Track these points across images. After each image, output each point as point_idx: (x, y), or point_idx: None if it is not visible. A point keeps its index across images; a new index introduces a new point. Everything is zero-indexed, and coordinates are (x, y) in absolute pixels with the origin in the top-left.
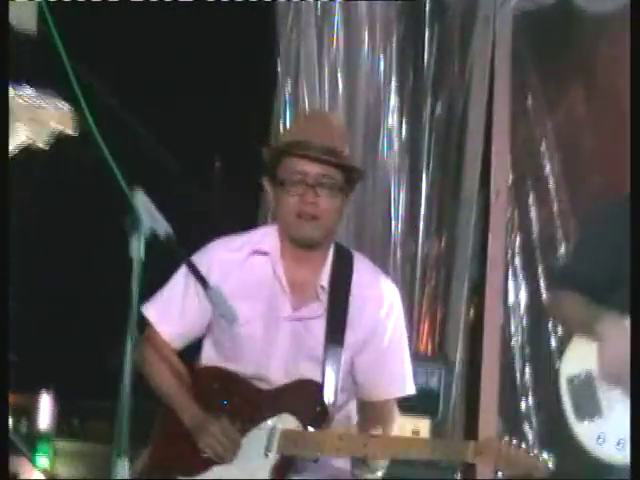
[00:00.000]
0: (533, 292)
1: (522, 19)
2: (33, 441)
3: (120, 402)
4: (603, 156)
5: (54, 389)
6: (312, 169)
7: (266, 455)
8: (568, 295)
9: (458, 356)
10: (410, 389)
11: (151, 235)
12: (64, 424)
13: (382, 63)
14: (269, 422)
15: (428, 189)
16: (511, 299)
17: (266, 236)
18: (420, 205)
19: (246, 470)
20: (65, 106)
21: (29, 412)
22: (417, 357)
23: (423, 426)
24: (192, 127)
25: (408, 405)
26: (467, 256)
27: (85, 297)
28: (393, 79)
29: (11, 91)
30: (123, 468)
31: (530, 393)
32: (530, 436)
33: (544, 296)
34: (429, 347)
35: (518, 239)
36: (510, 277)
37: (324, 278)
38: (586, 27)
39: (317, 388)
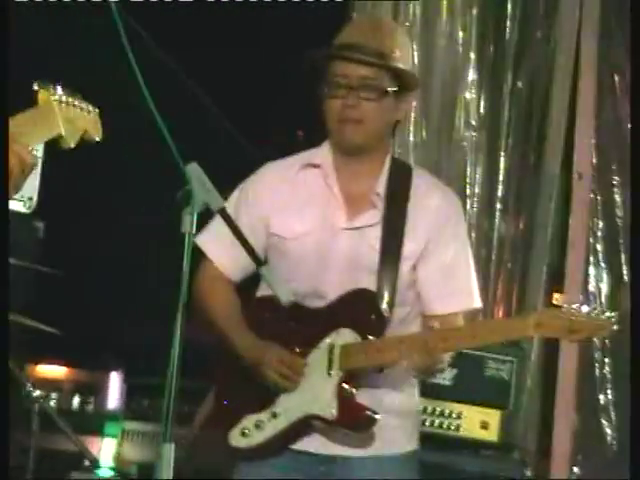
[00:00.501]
0: (615, 280)
1: None
2: (101, 421)
3: (167, 382)
4: None
5: (124, 367)
6: (354, 71)
7: (329, 374)
8: None
9: (534, 345)
10: (477, 302)
11: (204, 209)
12: (134, 404)
13: (460, 34)
14: (327, 340)
15: (506, 168)
16: (592, 287)
17: (318, 150)
18: (497, 184)
19: (311, 394)
20: (94, 110)
21: (97, 391)
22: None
23: (493, 417)
24: (273, 98)
25: (477, 395)
26: (546, 240)
27: (143, 271)
28: (472, 51)
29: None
30: (169, 452)
31: (609, 387)
32: (609, 430)
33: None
34: None
35: (601, 224)
36: (591, 264)
37: (380, 185)
38: None
39: (371, 296)
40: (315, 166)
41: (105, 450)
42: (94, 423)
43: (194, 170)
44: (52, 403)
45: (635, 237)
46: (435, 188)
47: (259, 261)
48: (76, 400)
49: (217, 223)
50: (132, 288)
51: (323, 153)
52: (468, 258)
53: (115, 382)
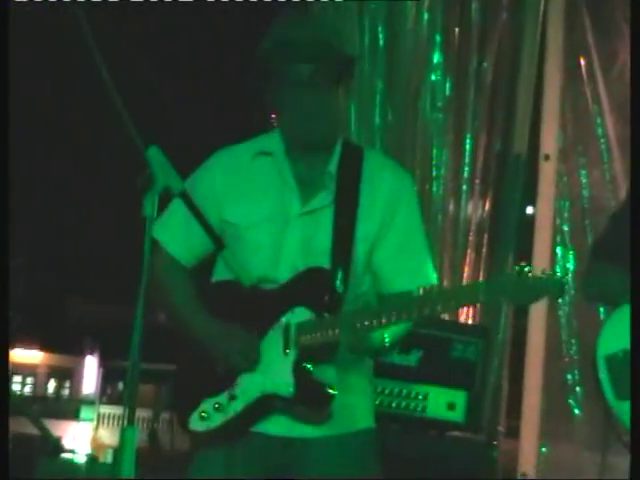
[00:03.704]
0: (582, 261)
1: None
2: (76, 406)
3: (128, 366)
4: None
5: (100, 352)
6: (304, 67)
7: (285, 353)
8: (604, 266)
9: (500, 326)
10: (433, 278)
11: (165, 192)
12: (109, 388)
13: (426, 17)
14: (283, 319)
15: (473, 149)
16: (559, 267)
17: (269, 137)
18: (464, 166)
19: (269, 373)
20: None
21: (73, 376)
22: (455, 326)
23: (459, 398)
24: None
25: (443, 376)
26: (514, 221)
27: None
28: (437, 34)
29: None
30: (132, 434)
31: (576, 367)
32: (576, 411)
33: None
34: (469, 316)
35: (567, 205)
36: (558, 244)
37: (332, 165)
38: None
39: (324, 274)
40: (268, 154)
41: (80, 434)
42: (70, 408)
43: (155, 153)
44: (27, 388)
45: (635, 236)
46: (386, 166)
47: (221, 244)
48: (51, 385)
49: (170, 211)
50: (104, 273)
51: (275, 141)
52: (422, 234)
53: (91, 367)
